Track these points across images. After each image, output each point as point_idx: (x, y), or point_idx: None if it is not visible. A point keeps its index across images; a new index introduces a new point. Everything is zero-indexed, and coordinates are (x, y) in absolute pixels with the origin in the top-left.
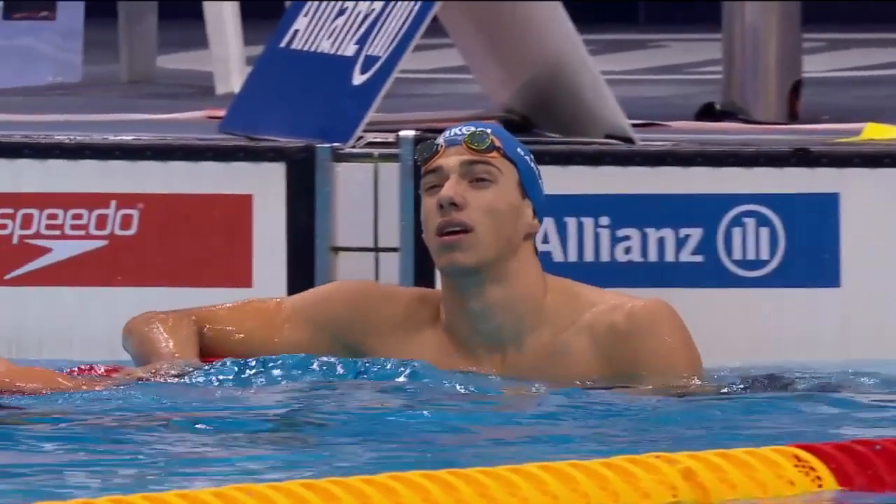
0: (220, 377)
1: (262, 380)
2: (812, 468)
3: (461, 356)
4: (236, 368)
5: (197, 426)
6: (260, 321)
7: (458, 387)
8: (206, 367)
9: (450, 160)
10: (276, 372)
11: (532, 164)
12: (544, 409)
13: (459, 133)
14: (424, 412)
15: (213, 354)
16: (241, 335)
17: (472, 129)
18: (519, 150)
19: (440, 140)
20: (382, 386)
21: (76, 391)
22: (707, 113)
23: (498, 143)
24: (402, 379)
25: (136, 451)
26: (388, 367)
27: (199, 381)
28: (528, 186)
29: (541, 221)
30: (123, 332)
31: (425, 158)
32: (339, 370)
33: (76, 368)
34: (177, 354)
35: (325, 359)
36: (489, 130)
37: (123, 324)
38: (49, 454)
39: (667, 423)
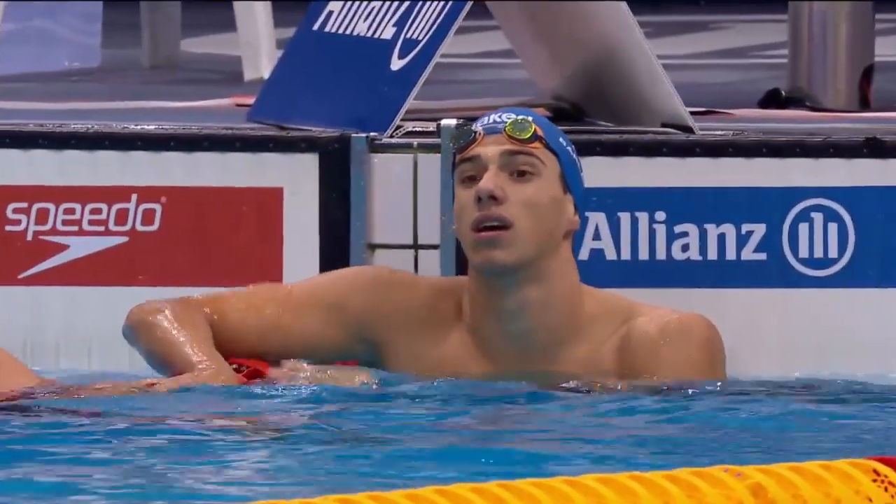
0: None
1: (300, 396)
2: (892, 483)
3: (485, 359)
4: (276, 390)
5: (226, 440)
6: (272, 308)
7: (491, 394)
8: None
9: (489, 150)
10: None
11: (574, 156)
12: (590, 417)
13: (500, 120)
14: (462, 424)
15: (223, 343)
16: (252, 323)
17: (513, 116)
18: (561, 139)
19: (478, 127)
20: (413, 397)
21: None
22: (772, 100)
23: (541, 133)
24: (431, 388)
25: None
26: (414, 376)
27: (234, 398)
28: (570, 180)
29: (581, 217)
30: (128, 322)
31: (461, 146)
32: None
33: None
34: (206, 361)
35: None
36: (531, 118)
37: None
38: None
39: (733, 432)
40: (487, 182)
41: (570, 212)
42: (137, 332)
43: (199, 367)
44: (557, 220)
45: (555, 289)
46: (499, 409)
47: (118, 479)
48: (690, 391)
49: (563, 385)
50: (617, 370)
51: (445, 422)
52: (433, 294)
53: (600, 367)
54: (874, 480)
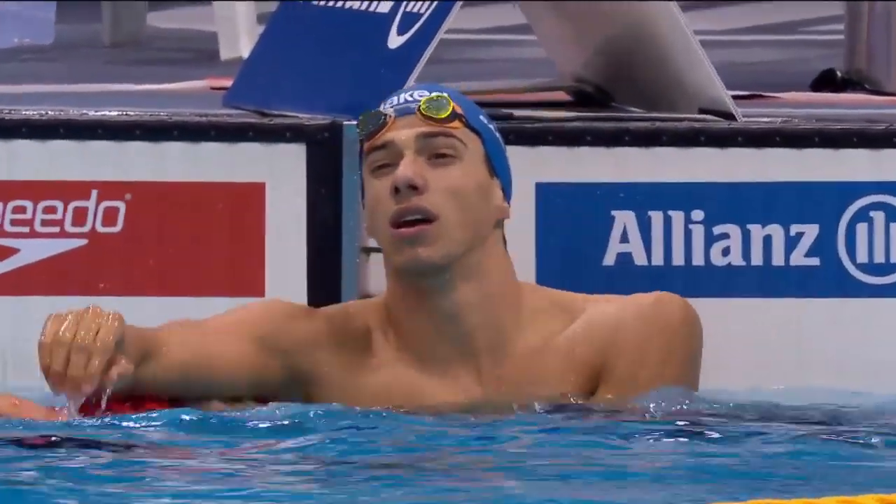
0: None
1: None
2: None
3: (426, 371)
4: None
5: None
6: (193, 345)
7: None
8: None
9: (402, 133)
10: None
11: (497, 134)
12: (578, 447)
13: (412, 99)
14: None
15: (149, 382)
16: (176, 360)
17: (427, 93)
18: (482, 117)
19: (388, 109)
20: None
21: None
22: (826, 82)
23: (460, 110)
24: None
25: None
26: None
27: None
28: (496, 161)
29: (509, 203)
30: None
31: (370, 132)
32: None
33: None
34: None
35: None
36: (447, 94)
37: None
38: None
39: (754, 465)
40: (405, 169)
41: (499, 198)
42: None
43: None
44: (486, 208)
45: (490, 284)
46: (475, 445)
47: None
48: (705, 415)
49: (539, 407)
50: (577, 360)
51: (420, 461)
52: (340, 320)
53: (555, 358)
54: None
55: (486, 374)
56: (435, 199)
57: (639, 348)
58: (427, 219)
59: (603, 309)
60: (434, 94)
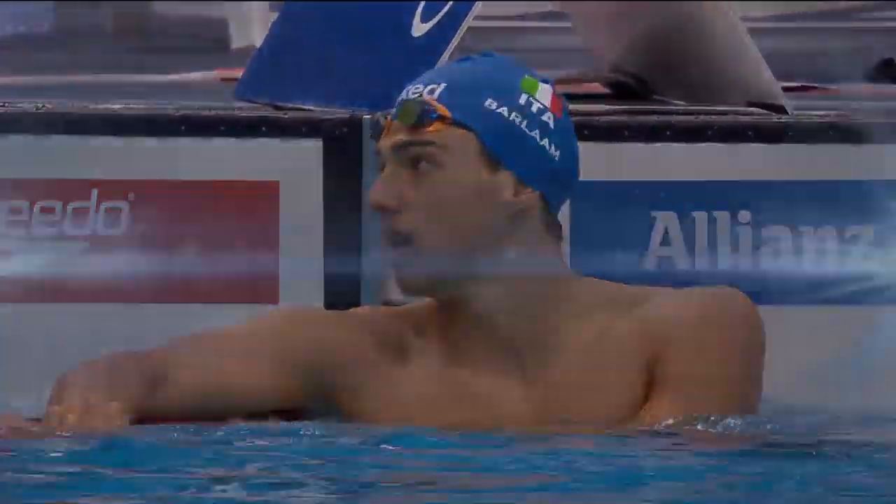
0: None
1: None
2: None
3: (469, 373)
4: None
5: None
6: (207, 363)
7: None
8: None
9: (385, 142)
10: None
11: (512, 116)
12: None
13: (403, 98)
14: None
15: (160, 406)
16: (189, 382)
17: (408, 94)
18: (489, 101)
19: (391, 109)
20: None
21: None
22: (886, 72)
23: (442, 109)
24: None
25: None
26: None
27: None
28: (501, 150)
29: (537, 187)
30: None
31: (376, 137)
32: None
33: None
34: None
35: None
36: (428, 87)
37: (108, 351)
38: None
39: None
40: (375, 192)
41: (508, 191)
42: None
43: None
44: (481, 211)
45: (521, 282)
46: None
47: None
48: (769, 436)
49: (585, 418)
50: (629, 355)
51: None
52: (372, 323)
53: (606, 354)
54: None
55: (531, 373)
56: (410, 217)
57: (696, 347)
58: (406, 241)
59: (660, 301)
60: (412, 93)
